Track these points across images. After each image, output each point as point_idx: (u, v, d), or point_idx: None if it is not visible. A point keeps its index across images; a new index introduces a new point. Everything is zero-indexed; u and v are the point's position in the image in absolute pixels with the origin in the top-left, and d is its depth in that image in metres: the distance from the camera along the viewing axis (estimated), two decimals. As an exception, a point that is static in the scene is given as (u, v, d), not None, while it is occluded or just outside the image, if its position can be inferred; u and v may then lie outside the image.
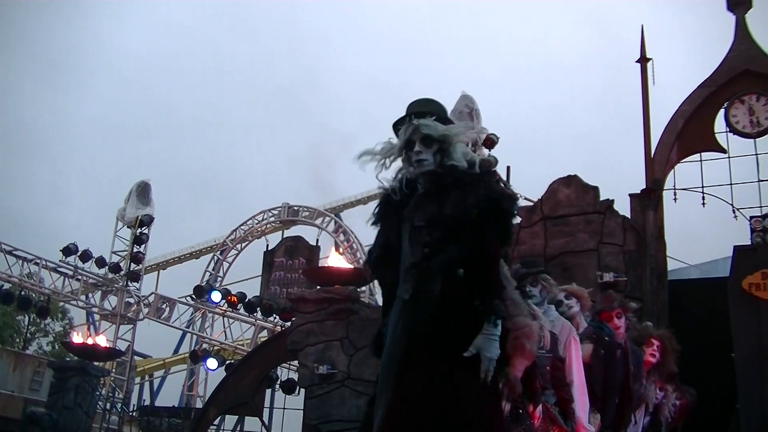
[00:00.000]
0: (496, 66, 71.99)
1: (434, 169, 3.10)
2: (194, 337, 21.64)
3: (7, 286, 18.54)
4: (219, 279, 22.82)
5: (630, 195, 10.84)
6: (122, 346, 20.00)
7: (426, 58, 77.41)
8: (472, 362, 2.83)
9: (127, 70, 69.39)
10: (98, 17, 69.68)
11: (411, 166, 3.17)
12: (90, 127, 70.17)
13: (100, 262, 19.88)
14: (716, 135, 10.97)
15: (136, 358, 23.13)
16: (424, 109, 3.22)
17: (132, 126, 70.20)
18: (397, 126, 3.26)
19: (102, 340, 15.12)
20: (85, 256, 19.45)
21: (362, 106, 70.47)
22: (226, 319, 21.07)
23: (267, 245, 22.11)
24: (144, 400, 25.81)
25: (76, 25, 70.27)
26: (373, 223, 3.30)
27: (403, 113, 3.27)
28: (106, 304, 20.65)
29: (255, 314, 19.69)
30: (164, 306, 21.08)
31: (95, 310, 21.10)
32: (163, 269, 28.57)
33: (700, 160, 11.03)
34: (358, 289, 11.92)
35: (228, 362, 18.42)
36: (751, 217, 10.04)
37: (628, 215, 10.72)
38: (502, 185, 3.13)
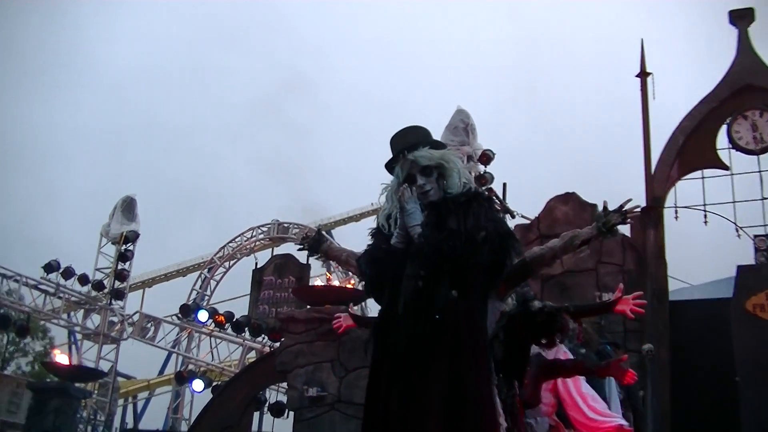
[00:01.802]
0: (489, 80, 72.27)
1: (436, 201, 3.22)
2: (180, 357, 21.26)
3: (-14, 304, 18.12)
4: (206, 297, 22.49)
5: (630, 213, 10.66)
6: (105, 366, 19.54)
7: (424, 71, 77.63)
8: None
9: (113, 82, 69.11)
10: (85, 29, 69.61)
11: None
12: (75, 139, 69.73)
13: (83, 280, 19.40)
14: (718, 151, 10.91)
15: (119, 379, 22.65)
16: (409, 140, 3.32)
17: (117, 138, 69.83)
18: (390, 164, 3.38)
19: (64, 359, 14.40)
20: (68, 273, 18.97)
21: (351, 116, 70.61)
22: (213, 339, 20.71)
23: (256, 263, 21.77)
24: (127, 423, 25.40)
25: (63, 37, 69.95)
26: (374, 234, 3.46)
27: (396, 137, 3.40)
28: (89, 323, 20.13)
29: (243, 334, 19.35)
30: (149, 325, 20.68)
31: (77, 329, 20.64)
32: (149, 287, 28.35)
33: (702, 177, 10.94)
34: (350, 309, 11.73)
35: (215, 384, 18.10)
36: (755, 236, 9.99)
37: (628, 234, 10.55)
38: (498, 207, 3.08)
